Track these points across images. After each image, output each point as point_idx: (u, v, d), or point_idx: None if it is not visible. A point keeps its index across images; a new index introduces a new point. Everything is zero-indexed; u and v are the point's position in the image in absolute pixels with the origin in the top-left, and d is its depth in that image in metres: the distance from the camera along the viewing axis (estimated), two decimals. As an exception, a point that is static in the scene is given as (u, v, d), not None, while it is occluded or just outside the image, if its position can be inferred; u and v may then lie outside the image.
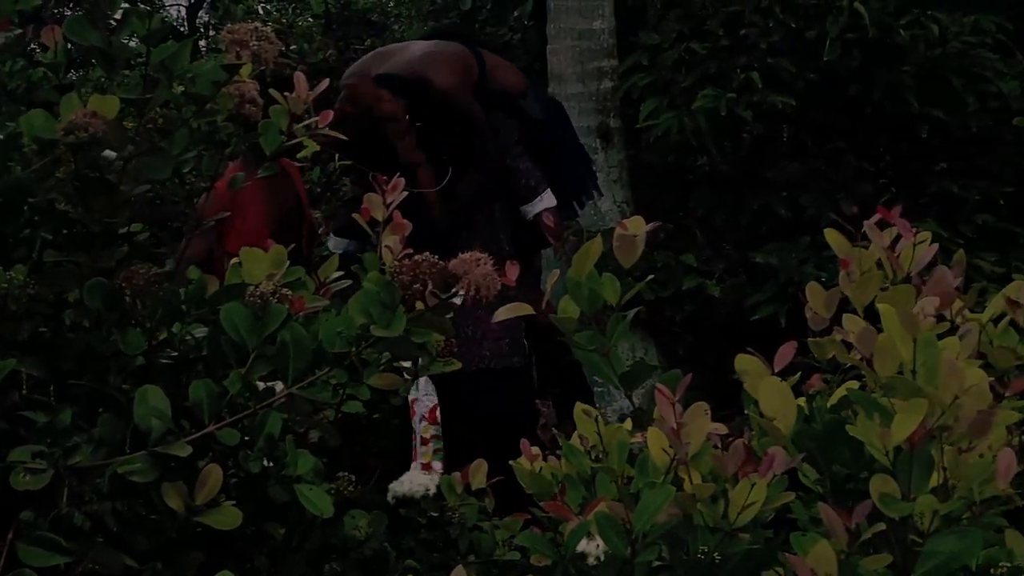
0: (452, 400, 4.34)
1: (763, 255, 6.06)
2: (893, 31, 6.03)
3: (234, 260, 2.55)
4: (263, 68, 2.39)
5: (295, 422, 2.54)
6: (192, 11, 13.04)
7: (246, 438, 2.30)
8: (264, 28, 2.36)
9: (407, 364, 3.59)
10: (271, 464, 2.33)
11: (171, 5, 13.87)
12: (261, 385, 2.39)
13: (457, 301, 2.30)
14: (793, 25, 6.19)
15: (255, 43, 2.32)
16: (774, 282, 5.97)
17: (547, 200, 4.63)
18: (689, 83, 6.18)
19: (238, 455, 2.25)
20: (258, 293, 2.25)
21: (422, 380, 4.36)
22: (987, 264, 5.69)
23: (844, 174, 6.30)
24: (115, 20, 2.36)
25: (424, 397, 4.36)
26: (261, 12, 11.68)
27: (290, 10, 11.50)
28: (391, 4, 10.55)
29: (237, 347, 2.24)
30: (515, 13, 7.64)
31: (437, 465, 4.24)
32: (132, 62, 6.05)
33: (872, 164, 6.50)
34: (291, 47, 10.64)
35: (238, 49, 2.33)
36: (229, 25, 2.35)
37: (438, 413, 4.36)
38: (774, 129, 6.49)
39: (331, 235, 4.98)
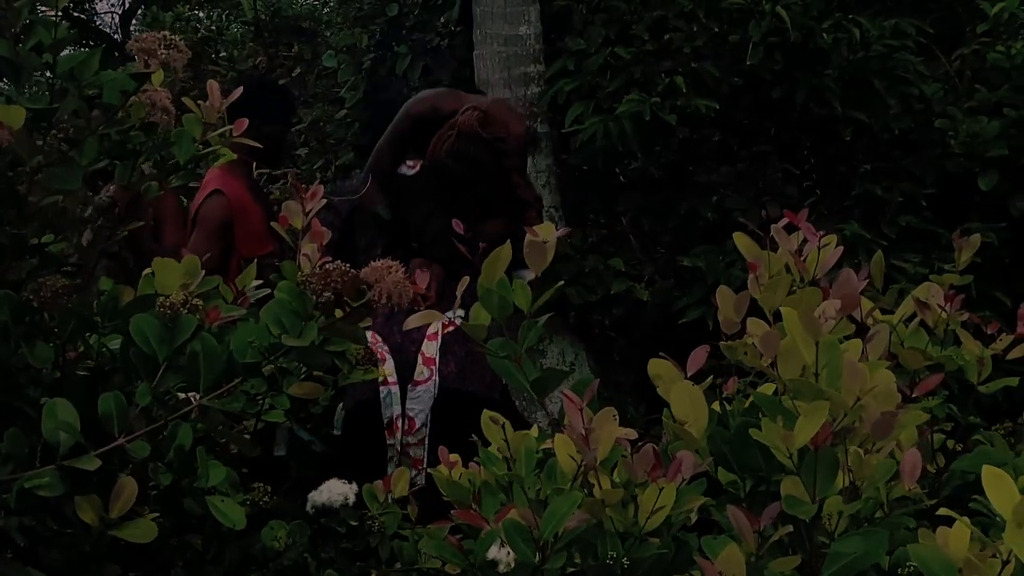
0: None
1: (690, 259, 6.07)
2: (815, 35, 6.06)
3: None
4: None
5: (216, 432, 2.52)
6: (125, 19, 12.95)
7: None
8: (173, 36, 2.34)
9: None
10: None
11: (104, 13, 13.76)
12: (181, 396, 2.38)
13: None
14: (717, 29, 6.22)
15: (163, 51, 2.30)
16: (701, 285, 5.98)
17: None
18: (614, 88, 6.18)
19: (148, 467, 2.23)
20: (168, 303, 2.23)
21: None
22: (910, 265, 5.73)
23: (770, 177, 6.34)
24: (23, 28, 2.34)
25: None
26: (196, 19, 11.59)
27: (223, 17, 11.42)
28: (325, 11, 10.51)
29: (147, 358, 2.22)
30: (442, 19, 7.63)
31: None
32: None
33: (797, 167, 6.54)
34: (221, 54, 10.58)
35: (146, 58, 2.31)
36: (136, 34, 2.33)
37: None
38: (700, 133, 6.51)
39: None
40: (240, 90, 2.78)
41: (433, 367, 4.43)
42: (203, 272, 2.57)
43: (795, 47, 6.06)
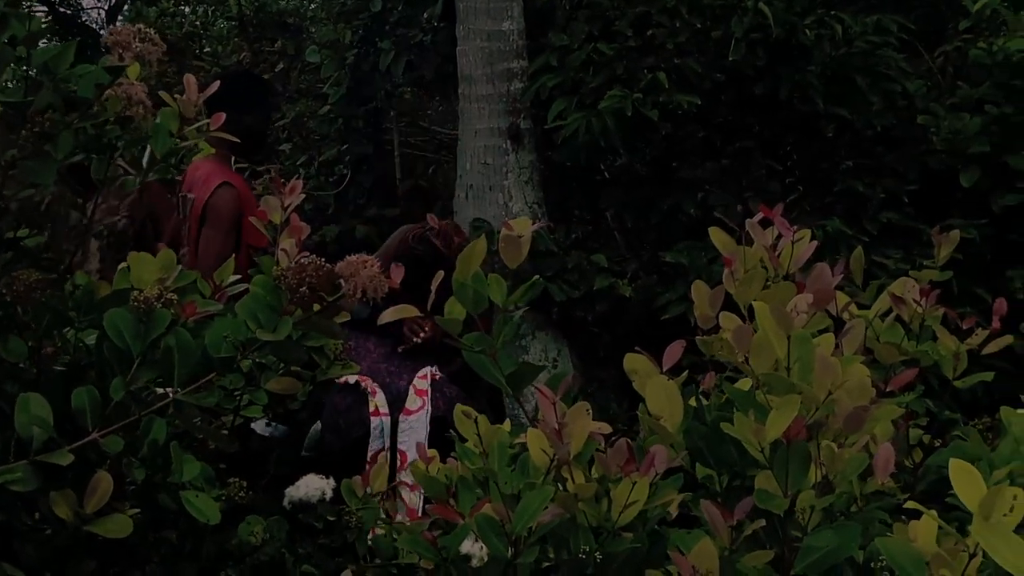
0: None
1: (673, 255, 6.08)
2: (798, 31, 6.07)
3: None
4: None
5: (195, 428, 2.51)
6: (112, 14, 12.91)
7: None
8: (147, 30, 2.32)
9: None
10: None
11: (90, 8, 13.72)
12: (160, 391, 2.36)
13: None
14: (699, 26, 6.22)
15: (137, 44, 2.29)
16: (684, 281, 5.98)
17: None
18: (597, 83, 6.18)
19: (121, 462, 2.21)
20: (142, 298, 2.22)
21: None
22: (891, 261, 5.74)
23: (753, 173, 6.35)
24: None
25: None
26: (181, 15, 11.54)
27: (208, 12, 11.39)
28: (311, 7, 10.49)
29: (121, 353, 2.21)
30: (425, 14, 7.62)
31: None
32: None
33: (780, 163, 6.56)
34: (205, 49, 10.55)
35: (120, 51, 2.30)
36: (111, 27, 2.32)
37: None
38: (683, 129, 6.51)
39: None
40: (217, 84, 2.77)
41: (425, 397, 4.46)
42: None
43: (778, 43, 6.07)
